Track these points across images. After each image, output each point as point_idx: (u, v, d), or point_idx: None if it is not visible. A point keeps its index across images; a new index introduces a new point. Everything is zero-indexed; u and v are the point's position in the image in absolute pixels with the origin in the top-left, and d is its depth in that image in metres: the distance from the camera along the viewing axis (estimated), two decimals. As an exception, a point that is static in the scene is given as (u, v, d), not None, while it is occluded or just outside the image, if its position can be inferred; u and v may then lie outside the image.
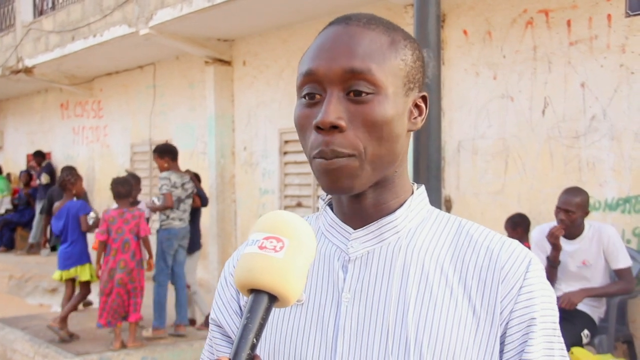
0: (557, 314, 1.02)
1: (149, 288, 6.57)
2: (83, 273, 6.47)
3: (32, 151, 12.99)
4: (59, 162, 12.45)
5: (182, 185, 6.40)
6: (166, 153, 6.52)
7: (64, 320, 6.38)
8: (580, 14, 5.12)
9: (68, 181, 6.61)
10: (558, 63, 5.27)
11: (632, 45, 4.84)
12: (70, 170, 6.82)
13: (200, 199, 6.82)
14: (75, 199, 6.71)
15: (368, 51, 0.98)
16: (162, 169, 6.46)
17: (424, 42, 4.06)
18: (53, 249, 8.32)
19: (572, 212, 4.27)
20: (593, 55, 5.05)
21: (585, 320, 4.28)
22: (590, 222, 4.44)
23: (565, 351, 1.02)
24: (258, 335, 0.85)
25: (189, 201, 6.51)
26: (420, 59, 1.05)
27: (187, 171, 6.79)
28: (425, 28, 4.08)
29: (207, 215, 8.27)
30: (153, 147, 9.86)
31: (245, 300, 1.10)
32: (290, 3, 6.79)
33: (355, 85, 0.97)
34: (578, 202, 4.29)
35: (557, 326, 1.01)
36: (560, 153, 5.27)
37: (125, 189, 6.05)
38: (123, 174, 7.69)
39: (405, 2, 6.02)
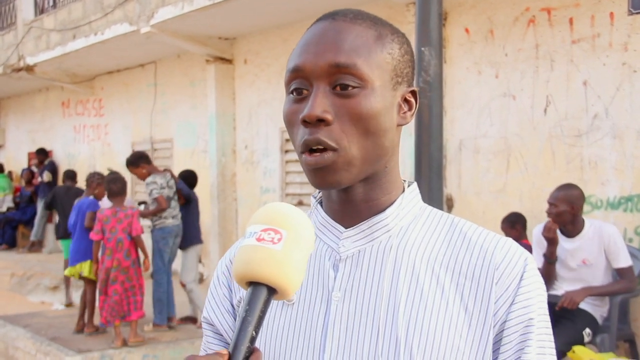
0: (548, 313, 1.02)
1: (148, 286, 6.60)
2: (85, 269, 6.52)
3: (33, 149, 13.00)
4: (60, 160, 12.46)
5: (167, 184, 6.45)
6: (139, 160, 6.56)
7: (90, 319, 6.50)
8: (583, 12, 5.11)
9: (94, 180, 6.78)
10: (560, 61, 5.26)
11: (635, 43, 4.83)
12: (101, 175, 7.03)
13: (182, 194, 6.81)
14: (92, 197, 6.86)
15: (354, 46, 0.98)
16: (143, 177, 6.49)
17: (425, 40, 4.05)
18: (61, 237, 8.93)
19: (555, 205, 4.28)
20: (595, 54, 5.05)
21: (587, 319, 4.28)
22: (590, 221, 4.43)
23: (554, 350, 1.01)
24: (257, 328, 0.85)
25: (176, 197, 6.57)
26: (409, 53, 1.05)
27: (166, 170, 6.82)
28: (427, 26, 4.08)
29: (208, 214, 8.28)
30: (154, 146, 9.91)
31: (238, 298, 1.10)
32: (291, 2, 6.79)
33: (341, 80, 0.97)
34: (562, 196, 4.29)
35: (550, 325, 1.01)
36: (562, 151, 5.26)
37: (118, 186, 6.07)
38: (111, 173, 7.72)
39: (407, 1, 6.01)
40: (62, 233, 9.13)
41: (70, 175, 9.63)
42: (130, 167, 6.58)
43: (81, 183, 9.39)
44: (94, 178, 6.92)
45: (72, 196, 9.56)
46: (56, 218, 9.85)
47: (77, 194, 9.50)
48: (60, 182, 12.06)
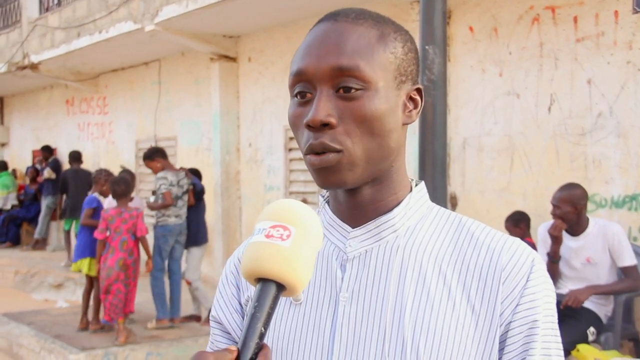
0: (556, 314, 1.01)
1: (145, 283, 6.64)
2: (85, 266, 6.59)
3: (37, 147, 13.04)
4: (64, 158, 12.49)
5: (178, 182, 6.52)
6: (155, 154, 6.62)
7: (95, 317, 6.55)
8: (587, 10, 5.10)
9: (101, 177, 6.89)
10: (564, 60, 5.25)
11: (639, 42, 4.82)
12: (109, 172, 7.12)
13: (195, 193, 6.85)
14: (97, 194, 6.95)
15: (356, 47, 0.97)
16: (157, 170, 6.55)
17: (429, 38, 4.05)
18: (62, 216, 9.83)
19: (558, 206, 4.29)
20: (600, 52, 5.03)
21: (591, 317, 4.27)
22: (595, 220, 4.43)
23: (562, 352, 1.01)
24: (266, 324, 0.85)
25: (185, 197, 6.61)
26: (413, 50, 1.04)
27: (182, 168, 6.87)
28: (431, 24, 4.08)
29: (212, 212, 8.28)
30: (158, 144, 9.93)
31: (246, 297, 1.11)
32: (295, 0, 6.79)
33: (344, 82, 0.96)
34: (564, 197, 4.29)
35: (557, 327, 1.01)
36: (567, 150, 5.26)
37: (122, 188, 6.10)
38: (123, 170, 7.79)
39: (411, -1, 6.00)
40: (68, 213, 9.44)
41: (76, 156, 10.04)
42: (146, 160, 6.67)
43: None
44: (101, 175, 6.97)
45: (81, 177, 9.83)
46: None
47: (87, 175, 9.79)
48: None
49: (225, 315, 1.12)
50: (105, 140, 11.46)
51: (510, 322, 0.97)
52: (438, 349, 0.96)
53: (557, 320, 1.01)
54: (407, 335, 0.97)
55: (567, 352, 4.00)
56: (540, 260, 1.01)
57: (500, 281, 0.98)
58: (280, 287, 0.87)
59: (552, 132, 5.35)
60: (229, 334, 1.13)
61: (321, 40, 0.99)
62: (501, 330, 0.98)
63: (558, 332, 1.01)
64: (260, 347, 0.84)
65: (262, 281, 0.87)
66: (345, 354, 0.99)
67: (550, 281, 1.02)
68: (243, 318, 1.11)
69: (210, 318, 1.16)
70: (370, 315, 1.00)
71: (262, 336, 0.84)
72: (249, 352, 0.83)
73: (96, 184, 7.02)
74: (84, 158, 11.29)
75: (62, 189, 9.94)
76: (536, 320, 0.97)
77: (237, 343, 0.86)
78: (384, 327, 0.98)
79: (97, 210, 6.65)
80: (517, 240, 1.02)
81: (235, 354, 0.83)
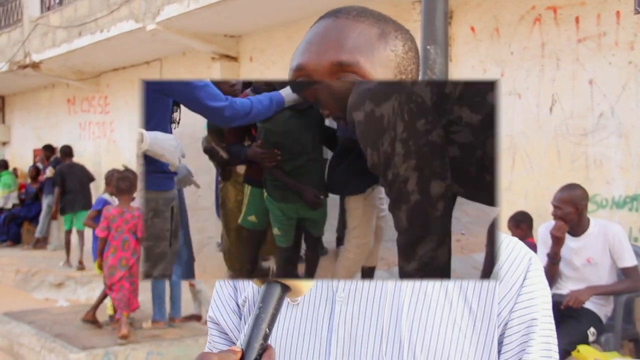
0: (552, 313, 1.01)
1: (145, 283, 6.64)
2: (96, 267, 6.65)
3: (38, 146, 13.04)
4: (66, 157, 12.51)
5: None
6: None
7: (94, 309, 6.62)
8: (589, 10, 5.10)
9: (113, 178, 6.95)
10: (566, 60, 5.25)
11: (641, 42, 4.82)
12: (116, 170, 7.14)
13: None
14: (108, 195, 7.02)
15: (356, 44, 0.97)
16: None
17: (431, 38, 4.04)
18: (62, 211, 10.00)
19: (559, 207, 4.29)
20: (601, 52, 5.03)
21: (591, 318, 4.27)
22: (595, 220, 4.43)
23: (557, 354, 1.01)
24: (271, 325, 0.85)
25: None
26: (413, 50, 1.04)
27: None
28: (433, 24, 4.07)
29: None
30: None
31: (243, 298, 1.11)
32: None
33: (344, 78, 0.97)
34: (565, 198, 4.30)
35: (554, 326, 1.01)
36: (568, 150, 5.25)
37: (126, 184, 6.11)
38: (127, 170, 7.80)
39: (413, -1, 6.00)
40: (67, 208, 9.46)
41: (67, 151, 10.11)
42: None
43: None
44: (113, 176, 6.98)
45: (76, 171, 9.85)
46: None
47: (81, 169, 9.78)
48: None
49: (223, 316, 1.12)
50: (106, 140, 11.46)
51: (508, 321, 0.97)
52: (435, 349, 0.96)
53: (554, 320, 1.01)
54: (404, 335, 0.97)
55: (568, 352, 4.00)
56: (537, 259, 1.01)
57: (497, 281, 0.98)
58: (285, 288, 0.87)
59: (553, 132, 5.34)
60: (227, 334, 1.12)
61: (322, 36, 0.99)
62: (499, 331, 0.98)
63: (555, 332, 1.01)
64: (265, 348, 0.84)
65: (267, 282, 0.87)
66: (342, 354, 0.99)
67: (546, 281, 1.01)
68: (240, 319, 1.11)
69: (208, 319, 1.16)
70: (367, 315, 0.99)
71: (266, 337, 0.84)
72: (253, 353, 0.83)
73: (108, 185, 7.05)
74: (84, 157, 11.31)
75: (59, 185, 9.98)
76: (534, 319, 0.97)
77: (234, 344, 0.86)
78: (381, 327, 0.98)
79: (101, 212, 6.67)
80: (514, 239, 1.02)
81: (239, 355, 0.83)
